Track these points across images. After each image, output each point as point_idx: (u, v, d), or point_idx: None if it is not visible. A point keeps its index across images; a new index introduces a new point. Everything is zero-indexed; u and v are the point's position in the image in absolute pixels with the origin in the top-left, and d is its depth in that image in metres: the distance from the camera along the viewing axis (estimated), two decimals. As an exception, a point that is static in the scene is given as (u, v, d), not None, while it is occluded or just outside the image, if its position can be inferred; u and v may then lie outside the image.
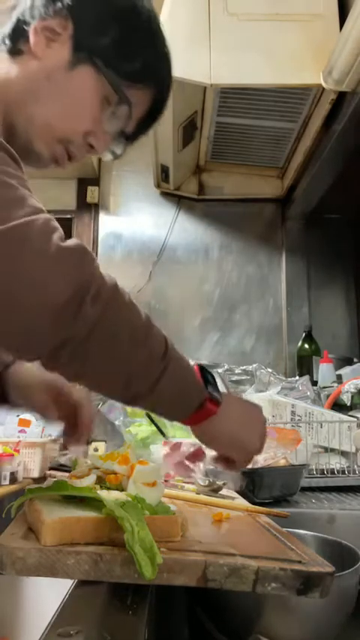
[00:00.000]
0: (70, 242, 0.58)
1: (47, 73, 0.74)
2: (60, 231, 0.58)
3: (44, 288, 0.55)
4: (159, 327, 0.65)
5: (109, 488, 0.66)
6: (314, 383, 1.94)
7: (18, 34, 0.75)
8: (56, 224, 0.59)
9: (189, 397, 0.69)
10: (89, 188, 2.55)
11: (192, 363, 0.71)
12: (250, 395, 1.68)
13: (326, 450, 1.38)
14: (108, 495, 0.60)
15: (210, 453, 0.82)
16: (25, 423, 1.86)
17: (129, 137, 0.83)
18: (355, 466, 1.33)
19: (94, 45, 0.74)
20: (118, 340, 0.60)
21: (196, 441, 0.76)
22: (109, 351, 0.60)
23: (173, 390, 0.66)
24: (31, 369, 0.88)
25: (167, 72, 0.82)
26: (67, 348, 0.58)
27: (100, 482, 0.67)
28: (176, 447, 1.19)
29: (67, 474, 0.73)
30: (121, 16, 0.76)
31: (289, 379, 1.93)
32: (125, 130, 0.80)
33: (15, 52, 0.76)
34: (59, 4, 0.74)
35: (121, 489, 0.66)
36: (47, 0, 0.74)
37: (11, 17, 0.77)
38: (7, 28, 0.77)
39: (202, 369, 0.72)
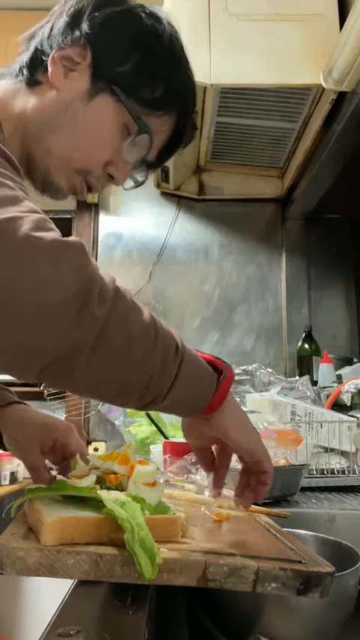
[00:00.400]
0: (70, 238, 0.53)
1: (65, 103, 0.72)
2: (58, 231, 0.53)
3: (43, 285, 0.48)
4: (161, 319, 0.62)
5: (109, 488, 0.66)
6: (314, 383, 1.94)
7: (36, 64, 0.74)
8: (53, 225, 0.54)
9: (207, 379, 0.66)
10: (89, 188, 2.55)
11: None
12: (250, 395, 1.68)
13: (326, 450, 1.38)
14: (108, 495, 0.60)
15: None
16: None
17: (151, 165, 0.80)
18: (355, 466, 1.33)
19: (113, 73, 0.73)
20: (131, 342, 0.55)
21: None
22: (124, 357, 0.55)
23: (192, 382, 0.63)
24: (28, 415, 0.84)
25: (190, 96, 0.80)
26: (77, 358, 0.51)
27: (100, 482, 0.67)
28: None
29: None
30: (142, 43, 0.74)
31: (289, 379, 1.93)
32: (147, 158, 0.77)
33: (33, 82, 0.74)
34: (77, 33, 0.72)
35: (121, 489, 0.66)
36: (65, 29, 0.73)
37: (29, 47, 0.75)
38: (24, 57, 0.75)
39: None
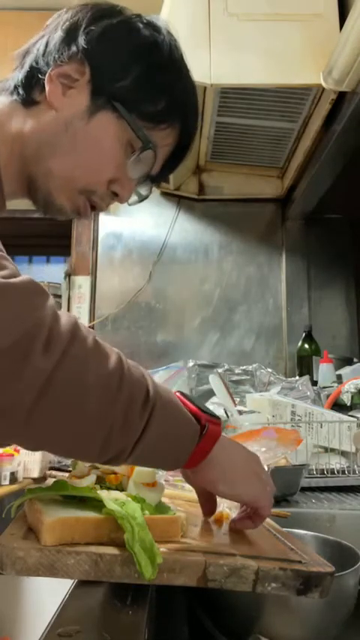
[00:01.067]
0: (18, 279, 0.49)
1: (65, 123, 0.69)
2: (8, 270, 0.50)
3: None
4: (134, 364, 0.56)
5: (109, 488, 0.66)
6: (314, 383, 1.94)
7: (32, 83, 0.71)
8: (6, 261, 0.51)
9: (187, 432, 0.59)
10: (89, 188, 2.55)
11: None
12: (250, 395, 1.68)
13: (326, 450, 1.38)
14: (108, 495, 0.60)
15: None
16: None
17: (155, 178, 0.78)
18: (355, 466, 1.33)
19: (113, 89, 0.70)
20: (85, 395, 0.50)
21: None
22: (75, 412, 0.50)
23: (167, 435, 0.56)
24: None
25: (193, 106, 0.77)
26: (14, 415, 0.47)
27: (100, 482, 0.67)
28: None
29: (67, 474, 0.73)
30: (141, 55, 0.71)
31: (289, 379, 1.93)
32: (151, 172, 0.75)
33: (29, 102, 0.71)
34: (74, 48, 0.69)
35: (121, 489, 0.66)
36: (61, 44, 0.70)
37: (23, 64, 0.72)
38: (20, 75, 0.72)
39: (184, 395, 0.63)
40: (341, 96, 1.60)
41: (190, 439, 0.59)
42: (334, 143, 1.74)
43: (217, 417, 0.62)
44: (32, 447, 0.54)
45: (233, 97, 1.83)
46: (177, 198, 2.53)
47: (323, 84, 1.57)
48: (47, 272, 3.61)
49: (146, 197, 0.81)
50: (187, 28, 1.66)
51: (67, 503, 0.61)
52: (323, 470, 1.31)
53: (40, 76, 0.70)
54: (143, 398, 0.54)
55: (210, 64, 1.64)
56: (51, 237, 2.97)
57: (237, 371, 2.02)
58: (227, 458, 0.64)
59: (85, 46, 0.69)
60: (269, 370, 2.01)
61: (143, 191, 0.80)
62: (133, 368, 0.55)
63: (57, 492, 0.62)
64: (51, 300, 0.51)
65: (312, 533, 0.81)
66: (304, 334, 2.25)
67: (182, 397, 0.62)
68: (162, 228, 2.52)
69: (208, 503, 0.72)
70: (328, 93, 1.63)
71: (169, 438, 0.57)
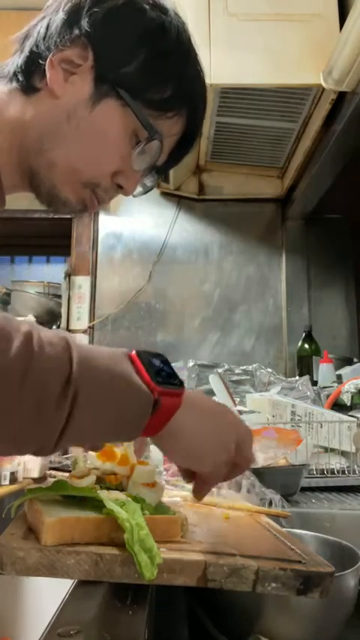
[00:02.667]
0: None
1: (67, 112, 0.66)
2: None
3: None
4: (54, 338, 0.48)
5: (109, 488, 0.66)
6: (314, 383, 1.94)
7: (32, 68, 0.67)
8: None
9: (131, 410, 0.52)
10: (89, 188, 2.55)
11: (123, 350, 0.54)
12: (250, 395, 1.68)
13: (326, 450, 1.38)
14: (108, 495, 0.60)
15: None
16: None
17: (160, 169, 0.74)
18: (355, 466, 1.33)
19: (118, 75, 0.66)
20: None
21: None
22: None
23: (103, 416, 0.50)
24: None
25: (201, 94, 0.73)
26: None
27: (100, 482, 0.67)
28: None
29: (67, 474, 0.73)
30: (147, 39, 0.67)
31: (289, 379, 1.93)
32: (156, 163, 0.71)
33: (30, 89, 0.67)
34: (77, 31, 0.65)
35: (121, 489, 0.66)
36: (63, 27, 0.66)
37: (23, 48, 0.68)
38: (19, 61, 0.68)
39: (142, 354, 0.54)
40: (341, 96, 1.60)
41: (139, 416, 0.53)
42: (334, 143, 1.74)
43: (178, 384, 0.55)
44: None
45: (233, 97, 1.83)
46: (177, 198, 2.53)
47: (323, 84, 1.57)
48: (47, 272, 3.61)
49: (151, 188, 0.78)
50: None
51: (67, 503, 0.61)
52: (323, 470, 1.31)
53: (40, 61, 0.66)
54: (61, 386, 0.47)
55: (210, 64, 1.64)
56: (51, 237, 2.97)
57: (237, 371, 2.02)
58: (188, 430, 0.58)
59: (88, 29, 0.65)
60: (269, 370, 2.01)
61: (148, 182, 0.77)
62: (47, 347, 0.47)
63: (57, 492, 0.62)
64: None
65: (312, 533, 0.81)
66: (304, 334, 2.25)
67: (138, 361, 0.54)
68: (162, 228, 2.52)
69: (185, 472, 0.67)
70: (328, 93, 1.63)
71: (109, 419, 0.51)
